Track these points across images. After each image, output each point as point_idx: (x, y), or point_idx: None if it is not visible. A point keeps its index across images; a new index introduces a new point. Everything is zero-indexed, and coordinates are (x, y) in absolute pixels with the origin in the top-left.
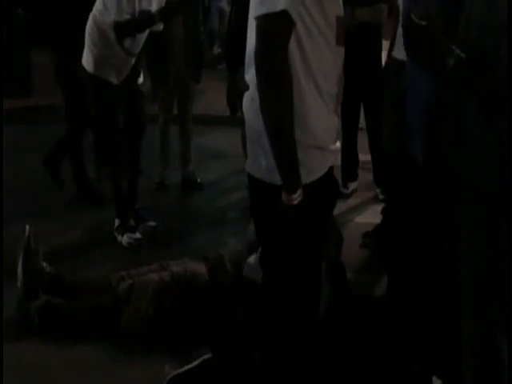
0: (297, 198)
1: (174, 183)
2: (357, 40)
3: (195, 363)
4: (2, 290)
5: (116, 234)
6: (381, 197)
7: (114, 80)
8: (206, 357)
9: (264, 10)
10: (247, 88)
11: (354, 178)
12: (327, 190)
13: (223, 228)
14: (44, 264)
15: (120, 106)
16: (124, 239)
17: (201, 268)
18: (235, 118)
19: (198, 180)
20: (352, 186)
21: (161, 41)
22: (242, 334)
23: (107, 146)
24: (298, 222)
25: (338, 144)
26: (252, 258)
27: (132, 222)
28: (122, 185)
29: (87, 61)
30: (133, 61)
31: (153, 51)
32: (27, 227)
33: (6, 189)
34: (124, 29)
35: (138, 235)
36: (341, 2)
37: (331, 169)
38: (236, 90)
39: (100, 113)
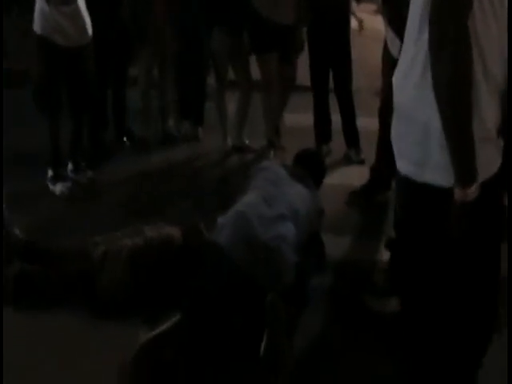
0: (471, 194)
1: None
2: (325, 4)
3: (166, 326)
4: None
5: (49, 183)
6: (355, 158)
7: (59, 40)
8: (176, 319)
9: None
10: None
11: (328, 139)
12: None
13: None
14: (17, 231)
15: (63, 64)
16: (57, 188)
17: (175, 232)
18: None
19: (176, 134)
20: (325, 148)
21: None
22: (215, 298)
23: (45, 97)
24: (467, 223)
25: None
26: None
27: (64, 172)
28: (57, 137)
29: (35, 23)
30: (78, 19)
31: (133, 9)
32: None
33: None
34: None
35: (69, 183)
36: None
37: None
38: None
39: (41, 68)
